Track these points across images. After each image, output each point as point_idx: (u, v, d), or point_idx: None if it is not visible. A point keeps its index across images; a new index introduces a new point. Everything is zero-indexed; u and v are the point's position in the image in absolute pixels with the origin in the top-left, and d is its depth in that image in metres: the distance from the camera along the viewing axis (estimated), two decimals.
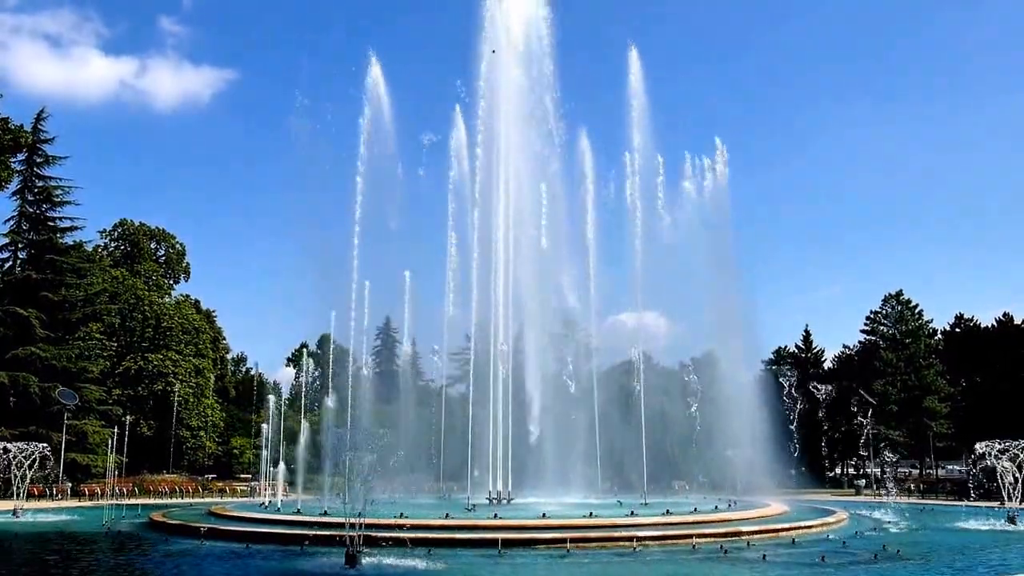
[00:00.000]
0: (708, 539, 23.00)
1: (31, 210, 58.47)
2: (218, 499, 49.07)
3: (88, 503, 44.82)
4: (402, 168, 45.01)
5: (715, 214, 46.47)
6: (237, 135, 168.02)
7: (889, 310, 79.29)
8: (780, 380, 48.41)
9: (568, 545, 21.56)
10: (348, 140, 42.39)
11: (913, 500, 50.96)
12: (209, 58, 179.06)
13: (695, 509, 29.86)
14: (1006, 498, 32.02)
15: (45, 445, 37.93)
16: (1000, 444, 32.26)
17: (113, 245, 79.42)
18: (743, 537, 23.73)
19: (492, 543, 21.41)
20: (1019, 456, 31.71)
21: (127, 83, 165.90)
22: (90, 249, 67.20)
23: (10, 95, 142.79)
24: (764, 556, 20.22)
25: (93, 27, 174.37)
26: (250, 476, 66.10)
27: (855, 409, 62.16)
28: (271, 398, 54.19)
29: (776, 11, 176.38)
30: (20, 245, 58.39)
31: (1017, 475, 31.61)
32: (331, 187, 46.25)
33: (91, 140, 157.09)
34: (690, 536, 23.16)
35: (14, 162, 55.57)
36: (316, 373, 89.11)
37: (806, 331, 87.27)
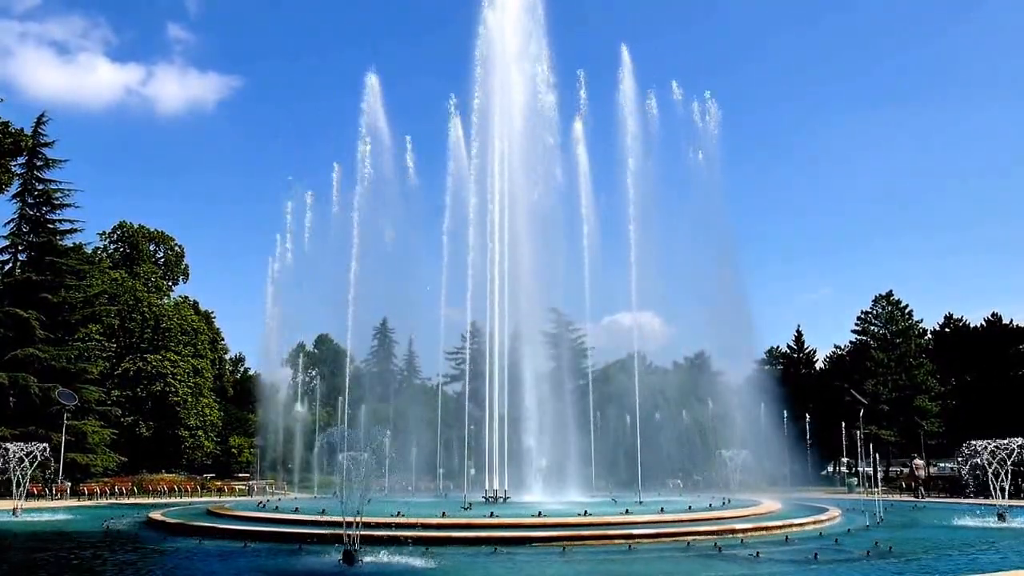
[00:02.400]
0: (702, 537, 23.17)
1: (31, 213, 58.73)
2: (216, 498, 49.35)
3: (87, 502, 45.08)
4: (399, 169, 45.45)
5: (710, 216, 46.91)
6: (240, 141, 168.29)
7: (879, 310, 79.76)
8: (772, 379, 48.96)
9: (563, 543, 21.77)
10: (347, 144, 42.79)
11: (905, 497, 51.34)
12: (215, 65, 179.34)
13: (690, 507, 30.10)
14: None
15: (45, 445, 38.13)
16: (979, 443, 32.58)
17: (112, 247, 79.66)
18: (737, 535, 23.96)
19: (488, 541, 21.69)
20: (1007, 455, 31.98)
21: (133, 89, 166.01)
22: (89, 251, 67.47)
23: (17, 101, 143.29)
24: (758, 553, 20.37)
25: (101, 33, 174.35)
26: (248, 475, 66.41)
27: (847, 404, 62.73)
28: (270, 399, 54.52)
29: (770, 19, 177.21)
30: (20, 247, 58.65)
31: (999, 472, 31.90)
32: (329, 189, 46.78)
33: (95, 145, 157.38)
34: (684, 534, 23.35)
35: (14, 165, 55.75)
36: (314, 373, 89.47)
37: (798, 331, 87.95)
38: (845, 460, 73.23)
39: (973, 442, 33.20)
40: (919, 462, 57.00)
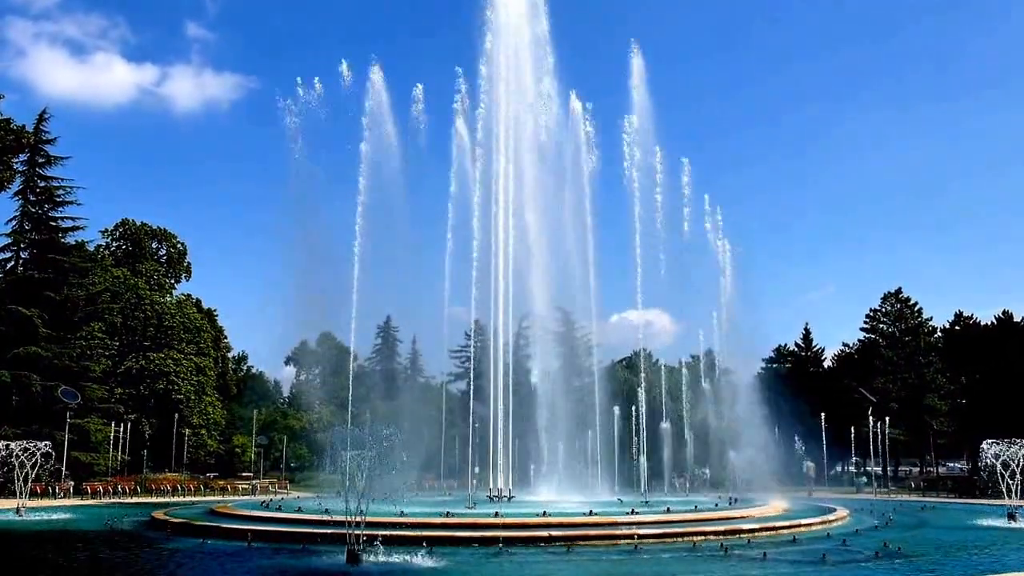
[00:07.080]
0: (709, 537, 23.04)
1: (33, 210, 58.49)
2: (220, 497, 49.18)
3: (91, 501, 44.94)
4: (402, 166, 45.14)
5: (714, 216, 46.89)
6: (251, 140, 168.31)
7: (889, 308, 79.43)
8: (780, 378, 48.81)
9: (569, 543, 21.59)
10: (350, 142, 42.49)
11: (914, 497, 51.13)
12: (231, 64, 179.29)
13: (696, 507, 29.96)
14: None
15: (48, 443, 37.89)
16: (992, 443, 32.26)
17: (115, 245, 79.54)
18: (744, 535, 23.82)
19: (493, 540, 21.49)
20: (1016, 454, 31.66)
21: (149, 89, 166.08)
22: (92, 249, 67.27)
23: (30, 99, 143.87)
24: (765, 554, 20.22)
25: (120, 33, 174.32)
26: (251, 474, 66.29)
27: (856, 402, 62.57)
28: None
29: (772, 10, 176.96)
30: (23, 245, 58.43)
31: (1016, 473, 31.58)
32: (332, 188, 46.53)
33: (108, 144, 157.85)
34: (691, 534, 23.23)
35: (16, 162, 55.60)
36: (317, 371, 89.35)
37: (806, 329, 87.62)
38: (854, 459, 72.97)
39: (984, 444, 32.93)
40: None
